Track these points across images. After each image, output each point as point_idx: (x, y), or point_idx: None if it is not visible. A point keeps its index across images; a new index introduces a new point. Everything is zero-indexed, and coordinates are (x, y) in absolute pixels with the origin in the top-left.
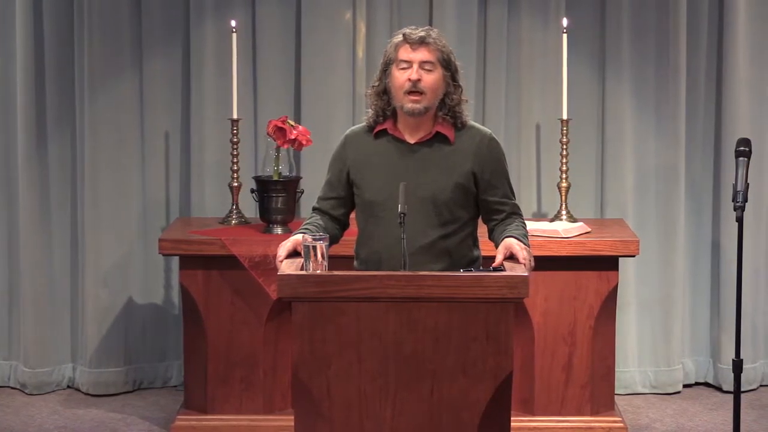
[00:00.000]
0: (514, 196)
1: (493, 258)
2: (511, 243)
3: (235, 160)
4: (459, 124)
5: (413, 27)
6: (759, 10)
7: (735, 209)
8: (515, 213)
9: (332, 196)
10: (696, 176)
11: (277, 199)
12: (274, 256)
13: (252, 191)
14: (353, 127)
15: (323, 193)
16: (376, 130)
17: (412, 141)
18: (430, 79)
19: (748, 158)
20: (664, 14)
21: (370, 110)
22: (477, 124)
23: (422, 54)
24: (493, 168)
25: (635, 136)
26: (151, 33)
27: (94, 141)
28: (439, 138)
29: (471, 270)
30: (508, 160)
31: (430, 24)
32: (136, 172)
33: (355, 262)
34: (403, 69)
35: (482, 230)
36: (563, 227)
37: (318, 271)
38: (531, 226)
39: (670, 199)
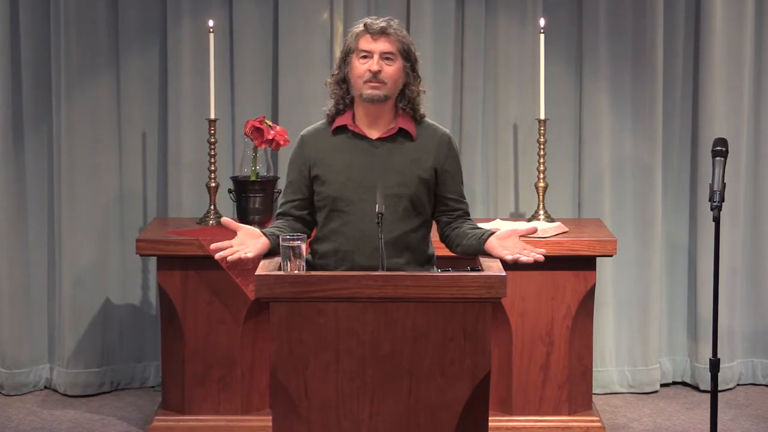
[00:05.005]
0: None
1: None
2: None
3: (212, 160)
4: (418, 117)
5: (374, 17)
6: (735, 10)
7: (712, 209)
8: (468, 214)
9: (297, 198)
10: (673, 176)
11: (254, 199)
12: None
13: (229, 191)
14: (308, 128)
15: (286, 197)
16: (335, 126)
17: (373, 137)
18: (391, 70)
19: (725, 158)
20: (641, 14)
21: (330, 101)
22: (434, 122)
23: (383, 45)
24: (453, 166)
25: (612, 136)
26: (128, 32)
27: (71, 140)
28: (401, 133)
29: (449, 270)
30: (485, 160)
31: (407, 23)
32: (113, 172)
33: (309, 257)
34: (364, 59)
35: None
36: (541, 227)
37: (296, 272)
38: (509, 226)
39: (648, 198)
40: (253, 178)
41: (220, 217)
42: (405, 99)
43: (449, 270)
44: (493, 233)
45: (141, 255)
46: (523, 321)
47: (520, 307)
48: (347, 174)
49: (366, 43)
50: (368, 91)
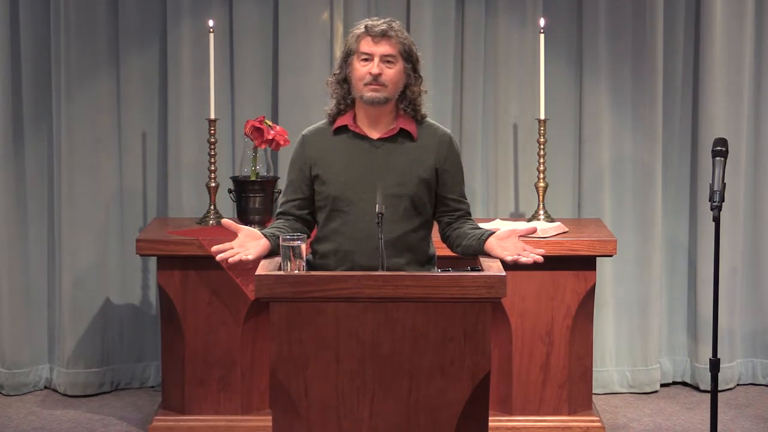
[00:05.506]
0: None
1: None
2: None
3: (212, 160)
4: (419, 117)
5: (375, 18)
6: (735, 10)
7: (712, 209)
8: (469, 214)
9: (297, 197)
10: (673, 176)
11: (254, 199)
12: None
13: (229, 191)
14: (309, 127)
15: (286, 196)
16: (336, 126)
17: (374, 137)
18: (391, 72)
19: (725, 158)
20: (640, 14)
21: (331, 100)
22: (435, 122)
23: (384, 48)
24: (453, 166)
25: (612, 136)
26: (128, 32)
27: (71, 140)
28: (402, 133)
29: (449, 270)
30: (485, 160)
31: (407, 23)
32: (113, 172)
33: (309, 257)
34: (365, 61)
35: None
36: (541, 227)
37: (296, 272)
38: (509, 226)
39: (647, 198)
40: (253, 178)
41: (220, 217)
42: (406, 100)
43: (449, 270)
44: (493, 233)
45: (141, 255)
46: (523, 321)
47: (520, 307)
48: (348, 174)
49: (367, 46)
50: (369, 94)
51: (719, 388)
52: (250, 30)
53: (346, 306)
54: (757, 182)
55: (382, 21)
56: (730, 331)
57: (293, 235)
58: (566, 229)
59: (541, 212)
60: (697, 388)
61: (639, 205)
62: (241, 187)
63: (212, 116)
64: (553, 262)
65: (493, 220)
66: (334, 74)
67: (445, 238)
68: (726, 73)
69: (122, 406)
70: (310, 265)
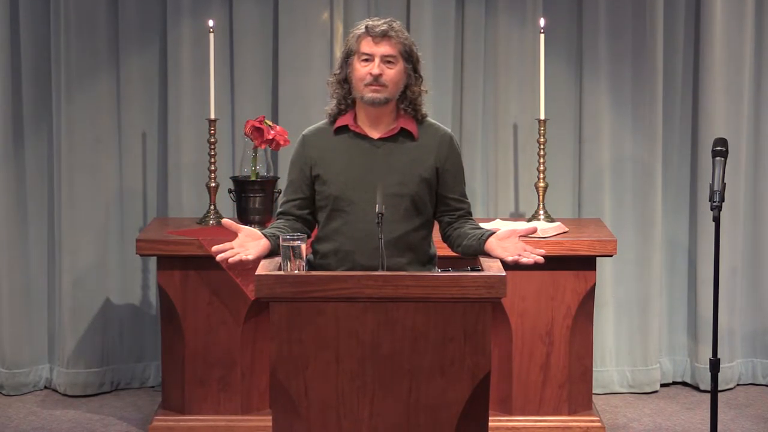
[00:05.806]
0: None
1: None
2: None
3: (212, 160)
4: (419, 117)
5: (375, 19)
6: (735, 10)
7: (712, 209)
8: (470, 213)
9: (298, 197)
10: (673, 176)
11: (254, 199)
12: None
13: (229, 191)
14: (309, 127)
15: (287, 196)
16: (336, 126)
17: (375, 136)
18: (392, 73)
19: (725, 158)
20: (640, 14)
21: (332, 100)
22: (435, 122)
23: (384, 48)
24: (454, 165)
25: (612, 136)
26: (128, 32)
27: (71, 140)
28: (403, 133)
29: (449, 270)
30: (485, 160)
31: (407, 23)
32: (113, 172)
33: (310, 257)
34: (365, 62)
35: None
36: (541, 227)
37: (296, 272)
38: (509, 226)
39: (648, 198)
40: (253, 178)
41: (220, 217)
42: (406, 100)
43: (449, 270)
44: (494, 233)
45: (141, 255)
46: (523, 321)
47: (520, 307)
48: (348, 174)
49: (367, 46)
50: (369, 95)
51: (719, 388)
52: (250, 30)
53: (346, 306)
54: (757, 182)
55: (383, 21)
56: (730, 331)
57: (293, 235)
58: (566, 229)
59: (541, 212)
60: (697, 388)
61: (639, 205)
62: (241, 187)
63: (212, 116)
64: (553, 262)
65: (493, 220)
66: (335, 74)
67: (445, 238)
68: (726, 73)
69: (122, 406)
70: (311, 265)
